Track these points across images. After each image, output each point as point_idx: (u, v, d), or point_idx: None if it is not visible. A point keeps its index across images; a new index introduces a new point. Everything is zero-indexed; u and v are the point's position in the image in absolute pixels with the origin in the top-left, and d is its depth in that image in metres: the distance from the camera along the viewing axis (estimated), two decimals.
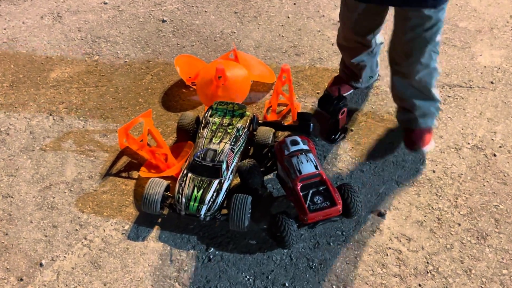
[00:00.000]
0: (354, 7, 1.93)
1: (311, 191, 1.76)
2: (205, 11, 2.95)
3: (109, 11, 2.97)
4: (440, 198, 1.95)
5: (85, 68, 2.59)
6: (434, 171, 2.04)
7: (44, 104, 2.39)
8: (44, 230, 1.88)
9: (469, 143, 2.15)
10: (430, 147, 2.08)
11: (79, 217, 1.91)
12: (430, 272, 1.72)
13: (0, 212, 1.94)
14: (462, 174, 2.03)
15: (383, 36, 2.21)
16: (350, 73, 2.30)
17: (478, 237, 1.82)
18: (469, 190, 1.97)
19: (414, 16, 1.76)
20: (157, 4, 3.01)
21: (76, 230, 1.87)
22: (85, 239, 1.84)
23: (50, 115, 2.33)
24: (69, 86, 2.48)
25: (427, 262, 1.75)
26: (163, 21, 2.88)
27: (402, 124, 2.15)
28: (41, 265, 1.77)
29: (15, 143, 2.21)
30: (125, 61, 2.62)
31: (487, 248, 1.78)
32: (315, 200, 1.74)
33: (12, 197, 2.00)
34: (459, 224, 1.85)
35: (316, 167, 1.79)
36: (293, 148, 1.85)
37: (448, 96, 2.36)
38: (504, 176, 2.01)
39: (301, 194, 1.74)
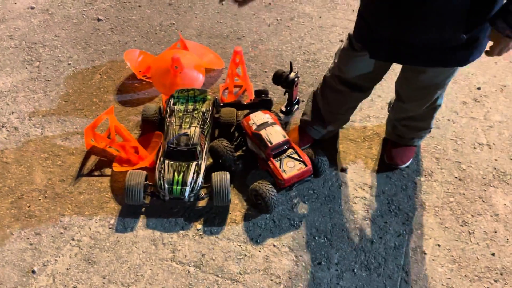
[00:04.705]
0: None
1: (283, 158, 1.93)
2: (139, 6, 2.98)
3: (38, 15, 2.88)
4: None
5: (28, 75, 2.52)
6: (379, 126, 2.31)
7: None
8: (28, 238, 1.86)
9: None
10: (407, 164, 2.13)
11: (61, 221, 1.92)
12: (393, 210, 1.99)
13: None
14: None
15: None
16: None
17: (425, 175, 2.12)
18: None
19: (432, 71, 1.65)
20: (87, 3, 2.98)
21: (61, 233, 1.88)
22: (73, 239, 1.86)
23: (3, 127, 2.26)
24: (15, 95, 2.41)
25: (389, 203, 2.01)
26: (99, 19, 2.86)
27: (389, 136, 2.17)
28: (33, 272, 1.77)
29: None
30: (69, 63, 2.59)
31: (434, 182, 2.09)
32: (288, 165, 1.92)
33: None
34: (408, 167, 2.14)
35: (284, 136, 1.96)
36: (259, 122, 2.01)
37: None
38: (436, 121, 2.34)
39: (275, 162, 1.91)
